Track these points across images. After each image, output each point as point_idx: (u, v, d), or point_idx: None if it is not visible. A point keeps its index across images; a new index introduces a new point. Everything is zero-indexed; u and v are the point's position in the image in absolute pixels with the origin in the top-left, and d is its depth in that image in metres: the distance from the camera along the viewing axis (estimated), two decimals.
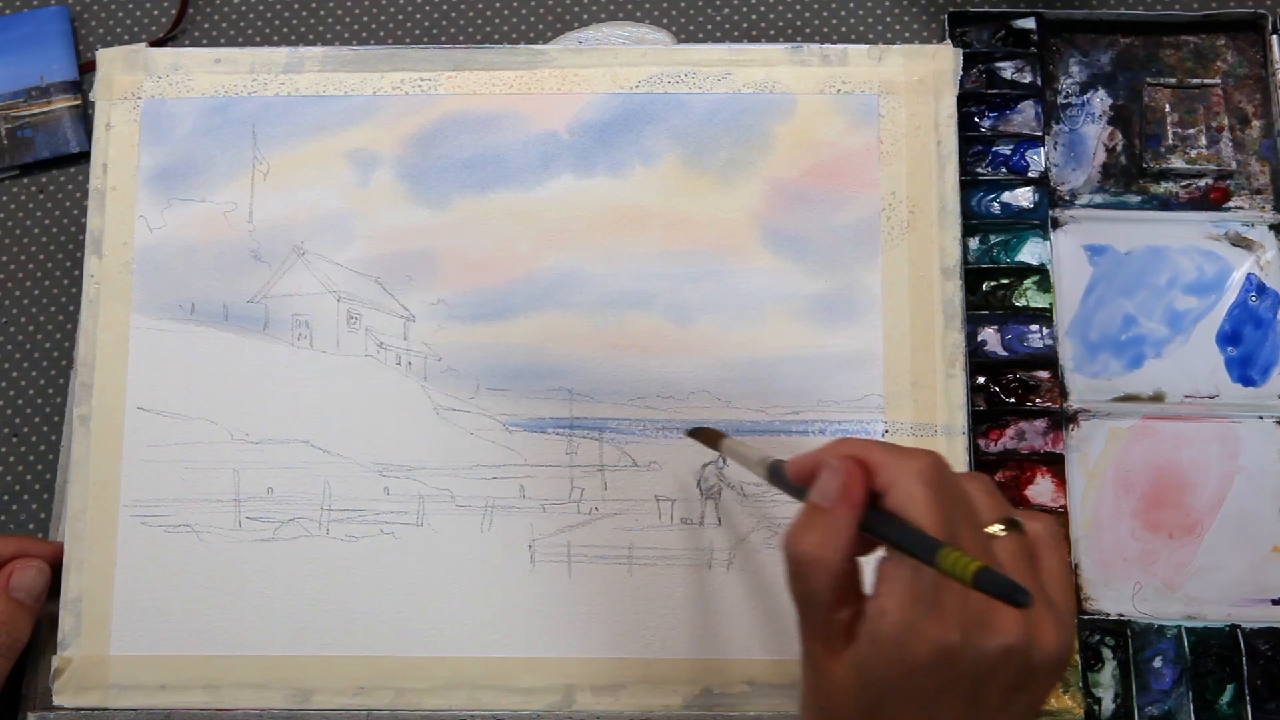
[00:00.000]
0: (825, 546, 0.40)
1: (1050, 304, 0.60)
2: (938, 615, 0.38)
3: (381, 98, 0.61)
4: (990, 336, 0.60)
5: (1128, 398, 0.60)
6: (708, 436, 0.56)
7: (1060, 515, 0.58)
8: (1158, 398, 0.60)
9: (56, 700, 0.56)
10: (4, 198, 0.66)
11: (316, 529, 0.58)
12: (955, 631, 0.38)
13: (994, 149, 0.62)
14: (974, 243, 0.61)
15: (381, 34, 0.67)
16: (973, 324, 0.60)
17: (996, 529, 0.40)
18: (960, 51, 0.61)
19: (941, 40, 0.64)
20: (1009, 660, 0.39)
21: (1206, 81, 0.63)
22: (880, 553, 0.41)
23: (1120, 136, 0.63)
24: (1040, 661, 0.39)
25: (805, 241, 0.59)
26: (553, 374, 0.59)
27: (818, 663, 0.41)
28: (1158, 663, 0.57)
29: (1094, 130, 0.63)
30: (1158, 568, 0.58)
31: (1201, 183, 0.63)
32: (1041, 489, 0.58)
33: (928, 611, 0.38)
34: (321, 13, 0.68)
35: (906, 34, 0.66)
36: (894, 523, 0.39)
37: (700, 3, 0.67)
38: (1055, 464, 0.59)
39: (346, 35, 0.67)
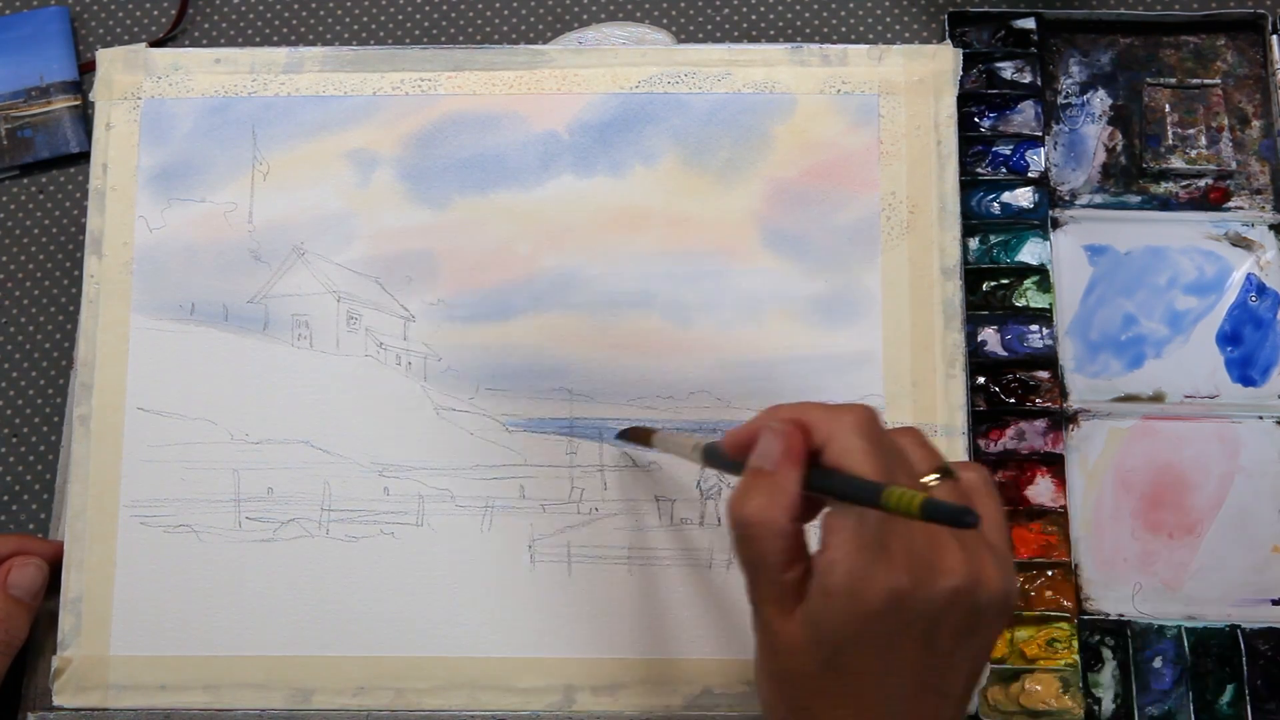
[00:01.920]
0: (772, 507, 0.40)
1: (1050, 304, 0.60)
2: (886, 561, 0.39)
3: (381, 98, 0.61)
4: (990, 336, 0.60)
5: (1128, 398, 0.60)
6: (638, 435, 0.56)
7: (1060, 515, 0.58)
8: (1158, 398, 0.60)
9: (56, 700, 0.56)
10: (4, 198, 0.66)
11: (316, 529, 0.58)
12: (904, 575, 0.39)
13: (994, 149, 0.62)
14: (974, 243, 0.61)
15: (381, 34, 0.67)
16: (973, 324, 0.60)
17: (931, 479, 0.41)
18: (960, 51, 0.61)
19: (941, 40, 0.64)
20: (958, 602, 0.39)
21: (1206, 81, 0.64)
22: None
23: (1120, 136, 0.63)
24: (986, 603, 0.40)
25: (805, 241, 0.59)
26: (553, 374, 0.59)
27: (771, 625, 0.41)
28: (1158, 663, 0.57)
29: (1094, 130, 0.63)
30: (1158, 568, 0.58)
31: (1201, 183, 0.63)
32: (1041, 489, 0.58)
33: (876, 558, 0.39)
34: (321, 13, 0.68)
35: (906, 34, 0.66)
36: (835, 475, 0.40)
37: (700, 3, 0.67)
38: (1055, 464, 0.59)
39: (346, 35, 0.67)
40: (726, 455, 0.44)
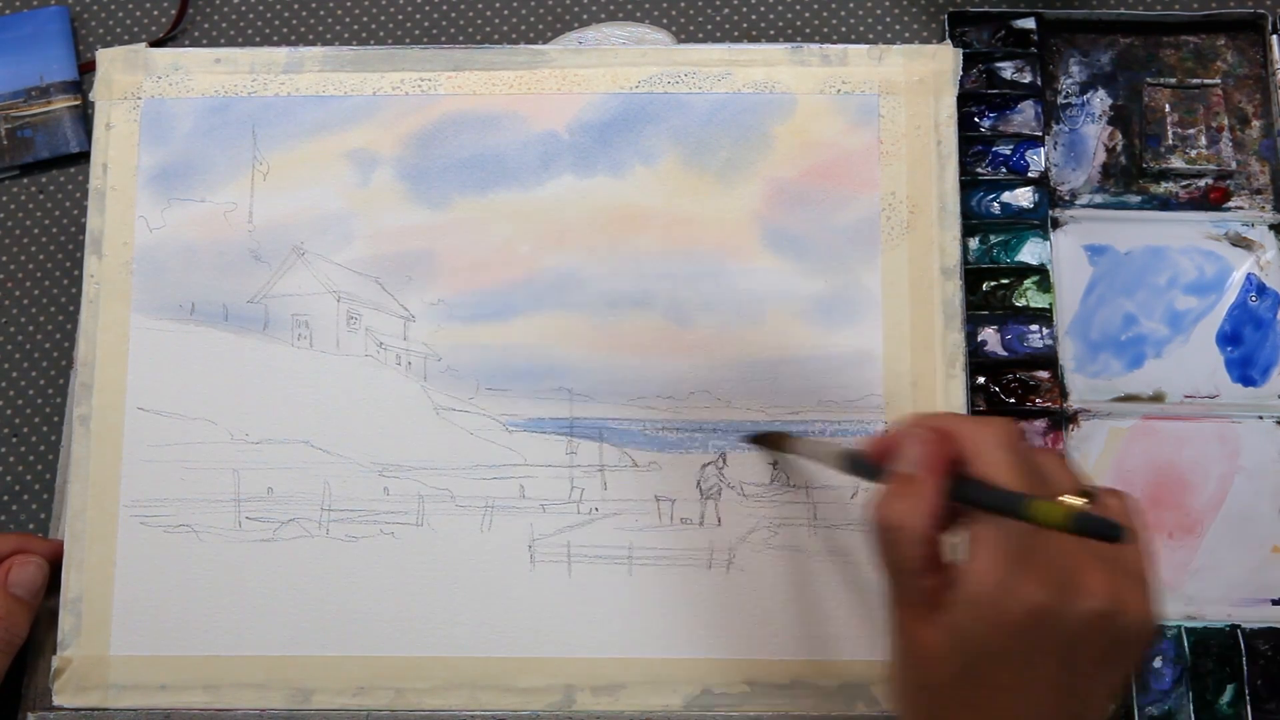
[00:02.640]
0: (915, 512, 0.40)
1: (1050, 304, 0.60)
2: (1030, 575, 0.39)
3: (381, 98, 0.61)
4: (990, 336, 0.60)
5: (1128, 398, 0.60)
6: (774, 440, 0.56)
7: None
8: (1158, 398, 0.60)
9: (56, 700, 0.56)
10: (4, 198, 0.66)
11: (316, 529, 0.58)
12: (1047, 591, 0.39)
13: (994, 149, 0.62)
14: (974, 243, 0.61)
15: (381, 34, 0.67)
16: (973, 324, 0.60)
17: (1076, 500, 0.40)
18: (960, 51, 0.61)
19: (941, 40, 0.64)
20: (1099, 625, 0.39)
21: (1206, 81, 0.64)
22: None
23: (1120, 136, 0.63)
24: (1128, 630, 0.40)
25: (805, 241, 0.59)
26: (553, 374, 0.59)
27: (908, 631, 0.41)
28: (1158, 663, 0.57)
29: (1094, 130, 0.63)
30: (1158, 567, 0.58)
31: (1201, 183, 0.63)
32: None
33: (1021, 572, 0.39)
34: (321, 13, 0.68)
35: (906, 34, 0.66)
36: (980, 485, 0.40)
37: (700, 3, 0.67)
38: None
39: (346, 35, 0.67)
40: (869, 461, 0.44)
